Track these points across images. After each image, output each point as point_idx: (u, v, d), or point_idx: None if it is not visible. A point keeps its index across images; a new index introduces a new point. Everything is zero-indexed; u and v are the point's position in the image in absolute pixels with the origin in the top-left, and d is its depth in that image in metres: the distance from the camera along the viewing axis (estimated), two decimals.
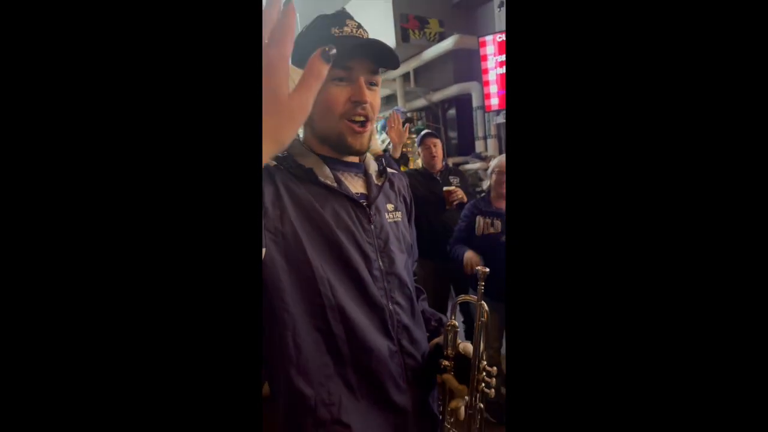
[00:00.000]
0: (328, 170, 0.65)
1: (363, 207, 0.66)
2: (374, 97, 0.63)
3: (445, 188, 2.06)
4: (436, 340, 0.76)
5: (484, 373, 0.68)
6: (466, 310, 2.13)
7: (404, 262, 0.71)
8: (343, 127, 0.62)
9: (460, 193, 2.02)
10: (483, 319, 0.69)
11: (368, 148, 0.67)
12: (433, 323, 0.79)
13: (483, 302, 0.70)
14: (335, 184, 0.64)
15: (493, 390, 0.70)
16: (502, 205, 1.76)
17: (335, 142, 0.64)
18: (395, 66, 0.63)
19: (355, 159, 0.70)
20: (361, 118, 0.62)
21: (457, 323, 0.71)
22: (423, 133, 2.16)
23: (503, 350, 1.86)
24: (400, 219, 0.74)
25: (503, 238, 1.71)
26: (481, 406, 0.71)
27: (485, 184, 1.84)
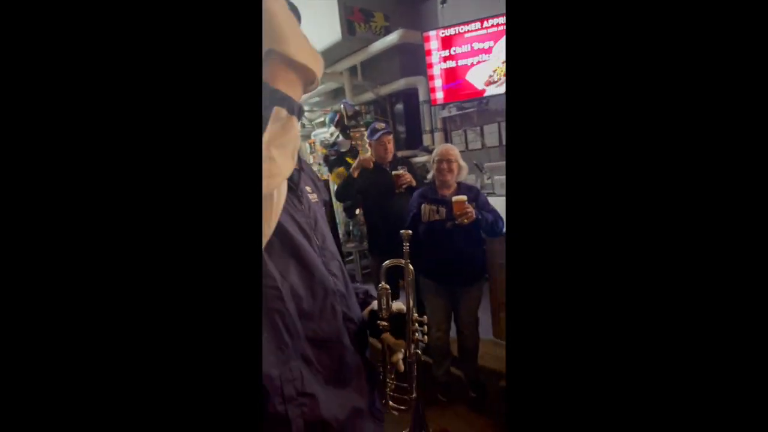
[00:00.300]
0: None
1: (293, 189, 0.71)
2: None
3: (393, 172, 2.11)
4: (369, 307, 0.84)
5: (416, 324, 0.79)
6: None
7: (331, 237, 0.78)
8: None
9: (408, 177, 2.09)
10: (409, 278, 0.81)
11: None
12: (360, 296, 0.87)
13: (409, 262, 0.81)
14: None
15: (426, 336, 0.80)
16: (446, 192, 1.82)
17: None
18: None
19: None
20: None
21: (388, 287, 0.80)
22: (381, 132, 2.18)
23: (453, 333, 1.94)
24: (318, 200, 0.80)
25: (448, 224, 1.78)
26: (419, 352, 0.81)
27: (430, 175, 1.90)
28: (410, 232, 0.82)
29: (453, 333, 1.95)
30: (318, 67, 0.50)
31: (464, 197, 1.67)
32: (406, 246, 0.81)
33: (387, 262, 0.85)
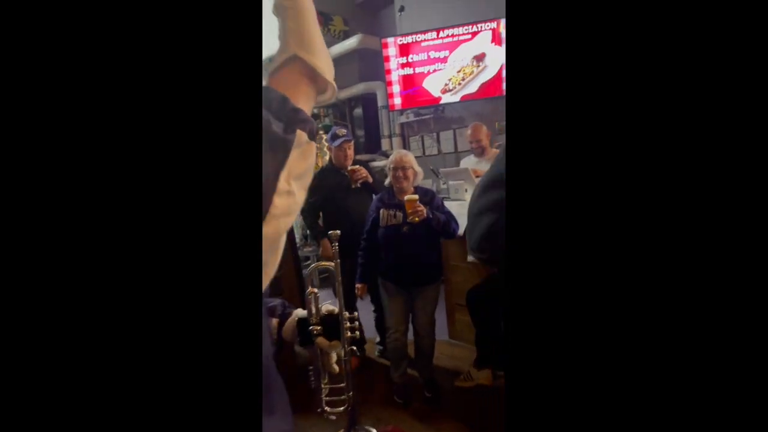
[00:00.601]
0: None
1: None
2: None
3: (349, 167, 2.13)
4: (293, 317, 0.80)
5: (348, 322, 0.82)
6: (377, 297, 2.21)
7: None
8: None
9: (364, 172, 2.12)
10: (339, 279, 0.86)
11: None
12: (279, 310, 0.83)
13: (339, 262, 0.87)
14: None
15: (357, 332, 0.83)
16: (403, 197, 1.87)
17: None
18: None
19: None
20: None
21: (316, 290, 0.81)
22: (341, 139, 2.19)
23: (410, 335, 1.98)
24: None
25: (405, 228, 1.83)
26: (354, 348, 0.85)
27: (387, 181, 1.94)
28: (338, 232, 0.90)
29: (410, 335, 1.99)
30: (333, 83, 0.44)
31: (416, 196, 1.74)
32: (335, 245, 0.86)
33: (313, 265, 0.88)
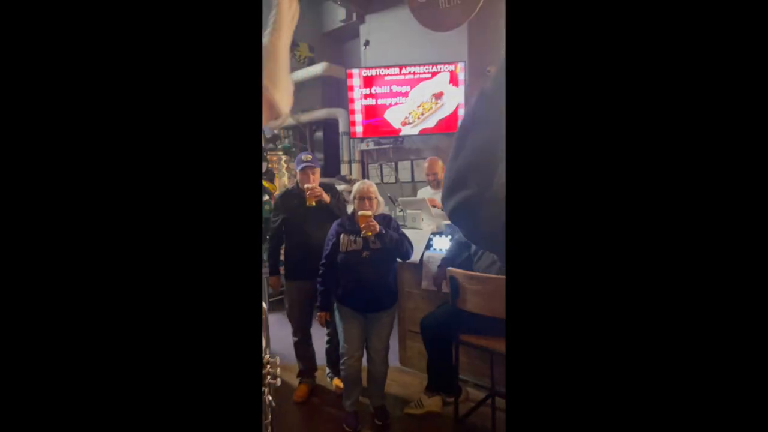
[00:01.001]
0: None
1: None
2: None
3: (305, 185, 2.14)
4: None
5: (269, 366, 0.79)
6: (332, 323, 2.20)
7: None
8: None
9: (318, 190, 2.13)
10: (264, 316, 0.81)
11: None
12: None
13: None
14: None
15: (278, 379, 0.80)
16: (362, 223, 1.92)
17: None
18: None
19: None
20: None
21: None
22: (305, 164, 2.20)
23: (363, 361, 1.98)
24: None
25: (364, 254, 1.87)
26: (270, 398, 0.81)
27: (351, 208, 2.00)
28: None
29: (363, 361, 1.99)
30: (287, 113, 0.55)
31: (370, 212, 1.85)
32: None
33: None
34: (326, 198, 2.17)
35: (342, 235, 1.93)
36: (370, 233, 1.83)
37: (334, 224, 2.02)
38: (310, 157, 2.25)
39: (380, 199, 2.00)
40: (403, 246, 1.91)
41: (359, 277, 1.88)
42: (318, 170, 2.27)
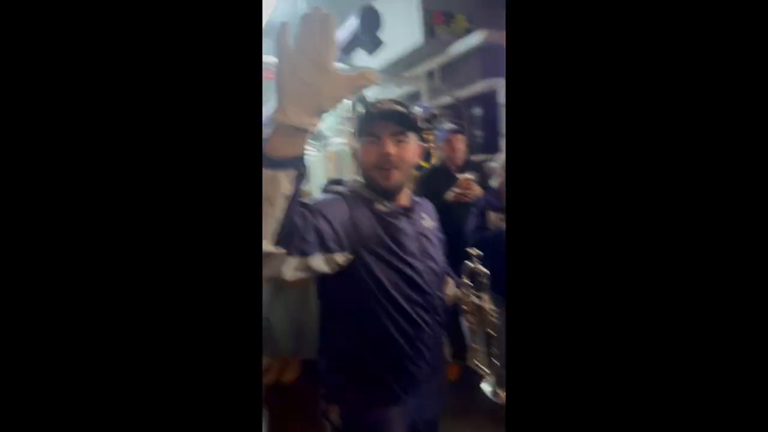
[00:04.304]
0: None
1: None
2: (400, 150, 0.77)
3: (459, 175, 1.84)
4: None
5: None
6: None
7: None
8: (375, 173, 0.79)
9: (475, 190, 1.89)
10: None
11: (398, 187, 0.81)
12: None
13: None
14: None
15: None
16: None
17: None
18: (409, 125, 0.78)
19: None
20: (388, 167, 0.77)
21: None
22: (447, 128, 2.06)
23: None
24: None
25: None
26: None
27: (497, 182, 1.72)
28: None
29: None
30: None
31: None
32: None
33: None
34: (470, 197, 1.79)
35: (490, 212, 1.74)
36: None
37: (482, 201, 1.80)
38: (450, 125, 2.07)
39: None
40: None
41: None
42: (461, 137, 2.01)
